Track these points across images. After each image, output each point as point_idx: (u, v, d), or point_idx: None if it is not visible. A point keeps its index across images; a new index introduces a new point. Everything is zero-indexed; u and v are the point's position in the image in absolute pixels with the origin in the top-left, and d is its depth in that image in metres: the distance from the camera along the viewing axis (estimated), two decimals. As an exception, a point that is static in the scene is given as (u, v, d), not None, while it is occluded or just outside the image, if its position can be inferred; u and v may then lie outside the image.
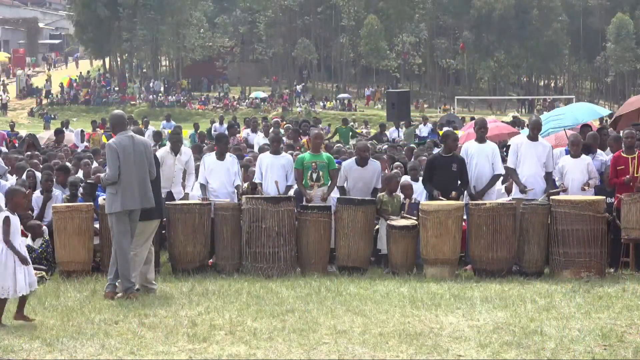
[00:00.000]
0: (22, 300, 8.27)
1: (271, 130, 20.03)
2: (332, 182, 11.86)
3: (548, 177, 11.65)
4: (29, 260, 8.27)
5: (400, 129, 27.42)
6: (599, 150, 12.50)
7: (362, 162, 11.96)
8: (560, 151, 12.75)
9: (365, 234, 11.38)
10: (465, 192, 11.81)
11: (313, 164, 11.77)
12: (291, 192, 12.16)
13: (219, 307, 8.87)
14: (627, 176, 11.27)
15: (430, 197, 11.66)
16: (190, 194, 12.35)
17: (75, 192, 12.04)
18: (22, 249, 8.31)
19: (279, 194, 11.71)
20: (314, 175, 11.74)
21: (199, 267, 11.24)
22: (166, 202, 11.42)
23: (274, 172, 11.92)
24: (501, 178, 12.45)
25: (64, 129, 25.46)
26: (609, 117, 25.71)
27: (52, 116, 60.46)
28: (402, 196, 12.02)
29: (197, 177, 12.53)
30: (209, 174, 11.92)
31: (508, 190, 12.48)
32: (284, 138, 19.97)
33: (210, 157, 12.17)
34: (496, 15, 74.82)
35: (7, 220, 8.21)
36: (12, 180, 13.19)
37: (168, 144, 12.84)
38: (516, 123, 28.27)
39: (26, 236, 11.20)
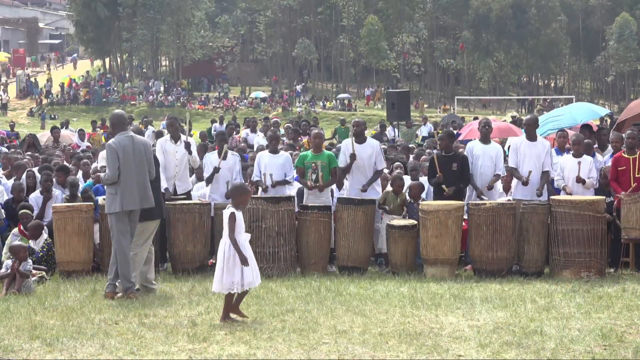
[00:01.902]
0: (241, 296, 8.27)
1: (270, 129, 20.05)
2: (332, 179, 11.82)
3: (544, 175, 11.66)
4: (249, 261, 8.16)
5: (395, 129, 27.41)
6: (597, 155, 12.52)
7: (358, 138, 11.91)
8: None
9: (365, 234, 11.37)
10: (468, 191, 11.81)
11: (313, 164, 11.73)
12: (293, 192, 12.16)
13: (219, 307, 8.85)
14: (622, 193, 11.18)
15: (436, 192, 11.66)
16: (192, 194, 12.38)
17: (74, 192, 12.04)
18: (246, 244, 8.24)
19: (272, 183, 11.69)
20: (314, 176, 11.73)
21: (199, 267, 11.24)
22: (166, 202, 11.41)
23: (272, 170, 11.90)
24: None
25: (63, 128, 25.48)
26: (608, 116, 25.74)
27: (53, 116, 60.43)
28: (407, 197, 11.99)
29: (198, 177, 12.57)
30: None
31: (505, 190, 12.49)
32: (284, 138, 19.98)
33: (212, 156, 12.16)
34: (494, 15, 74.76)
35: (232, 217, 8.17)
36: (11, 181, 13.18)
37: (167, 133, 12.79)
38: (517, 123, 28.24)
39: (27, 236, 11.21)
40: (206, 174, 12.05)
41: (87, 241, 10.97)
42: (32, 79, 74.19)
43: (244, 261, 8.09)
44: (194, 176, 13.25)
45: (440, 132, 15.03)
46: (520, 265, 11.07)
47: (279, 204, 11.11)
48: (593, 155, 12.29)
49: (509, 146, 14.32)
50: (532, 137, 11.82)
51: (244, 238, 8.22)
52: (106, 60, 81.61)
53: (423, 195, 12.20)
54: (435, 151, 13.67)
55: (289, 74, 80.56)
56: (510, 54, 76.95)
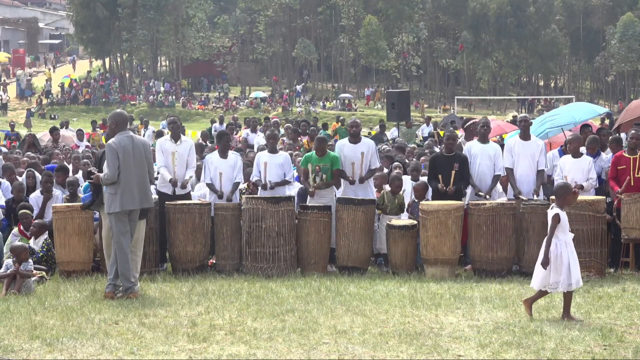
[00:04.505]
0: (568, 297, 8.25)
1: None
2: (334, 180, 11.81)
3: (539, 174, 11.69)
4: (573, 262, 8.14)
5: (395, 129, 27.45)
6: (602, 154, 12.49)
7: (353, 139, 11.93)
8: (553, 153, 12.76)
9: (365, 234, 11.38)
10: (469, 191, 11.81)
11: (317, 167, 11.74)
12: (293, 192, 12.15)
13: (219, 307, 8.87)
14: (618, 189, 11.21)
15: (435, 192, 11.67)
16: (192, 194, 12.36)
17: (74, 192, 12.04)
18: (571, 243, 8.25)
19: (271, 185, 11.71)
20: (317, 179, 11.73)
21: (199, 267, 11.24)
22: (166, 202, 11.42)
23: (271, 170, 11.90)
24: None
25: (63, 128, 25.46)
26: (606, 116, 25.76)
27: (53, 116, 60.41)
28: (408, 195, 11.98)
29: (197, 177, 12.54)
30: (214, 173, 11.89)
31: (505, 190, 12.48)
32: (284, 138, 20.00)
33: (213, 156, 12.14)
34: (492, 15, 74.72)
35: (555, 218, 8.21)
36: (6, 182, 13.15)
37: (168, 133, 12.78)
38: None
39: (27, 236, 11.21)
40: (207, 174, 12.01)
41: (87, 241, 10.97)
42: (29, 81, 74.06)
43: (545, 264, 8.15)
44: (193, 176, 13.23)
45: (442, 132, 15.06)
46: (520, 265, 11.07)
47: (279, 204, 11.11)
48: (598, 154, 12.24)
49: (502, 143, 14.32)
50: (526, 136, 11.87)
51: (569, 237, 8.28)
52: (106, 60, 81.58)
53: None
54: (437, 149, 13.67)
55: (289, 74, 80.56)
56: (510, 54, 76.92)
